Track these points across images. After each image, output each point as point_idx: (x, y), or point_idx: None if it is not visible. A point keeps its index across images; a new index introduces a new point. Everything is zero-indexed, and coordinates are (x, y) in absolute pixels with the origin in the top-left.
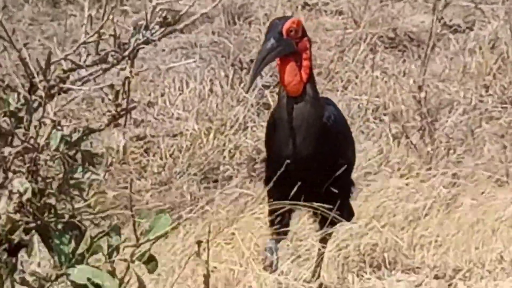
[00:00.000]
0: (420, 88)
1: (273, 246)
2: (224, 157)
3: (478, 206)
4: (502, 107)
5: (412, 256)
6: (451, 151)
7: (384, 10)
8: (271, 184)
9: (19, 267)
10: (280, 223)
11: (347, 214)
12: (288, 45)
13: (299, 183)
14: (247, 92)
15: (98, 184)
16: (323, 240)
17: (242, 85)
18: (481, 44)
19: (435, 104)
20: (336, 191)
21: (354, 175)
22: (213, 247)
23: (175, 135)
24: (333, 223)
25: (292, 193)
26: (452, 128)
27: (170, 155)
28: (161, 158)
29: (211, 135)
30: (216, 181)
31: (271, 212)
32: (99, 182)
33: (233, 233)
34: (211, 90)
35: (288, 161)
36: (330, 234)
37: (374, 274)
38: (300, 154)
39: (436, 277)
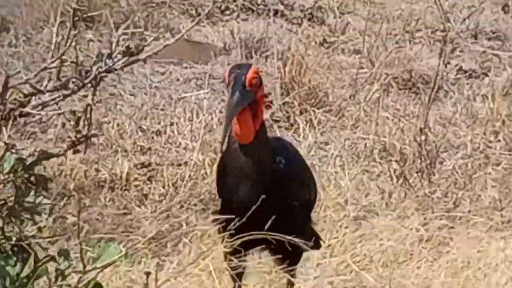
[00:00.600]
0: (421, 130)
1: None
2: None
3: (470, 250)
4: (509, 154)
5: None
6: (450, 194)
7: (401, 51)
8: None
9: None
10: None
11: (307, 241)
12: (250, 96)
13: (250, 226)
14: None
15: (60, 209)
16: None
17: None
18: (494, 90)
19: (440, 147)
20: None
21: (353, 214)
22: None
23: (179, 164)
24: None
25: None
26: (453, 171)
27: (173, 184)
28: (163, 187)
29: (215, 166)
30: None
31: (227, 256)
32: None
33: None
34: (220, 122)
35: (236, 206)
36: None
37: None
38: (249, 200)
39: None
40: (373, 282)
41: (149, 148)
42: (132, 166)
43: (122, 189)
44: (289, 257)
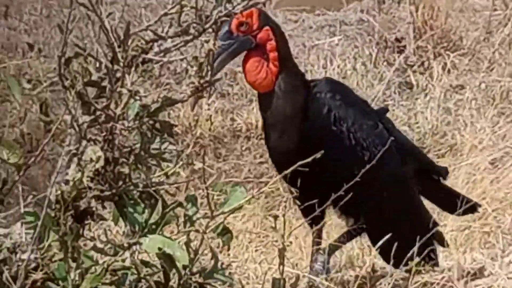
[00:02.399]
0: None
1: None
2: None
3: None
4: None
5: None
6: None
7: None
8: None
9: (90, 234)
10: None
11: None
12: (243, 41)
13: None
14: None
15: (187, 156)
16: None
17: (385, 63)
18: None
19: None
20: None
21: (490, 157)
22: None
23: None
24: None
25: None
26: None
27: None
28: None
29: None
30: None
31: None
32: (181, 152)
33: None
34: (353, 68)
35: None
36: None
37: (487, 254)
38: (281, 154)
39: None
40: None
41: None
42: None
43: (257, 138)
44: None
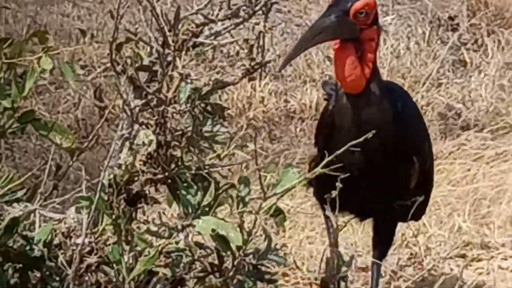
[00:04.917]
0: None
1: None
2: None
3: None
4: None
5: None
6: None
7: None
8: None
9: (144, 218)
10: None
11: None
12: (351, 29)
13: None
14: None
15: (240, 138)
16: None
17: (439, 42)
18: None
19: None
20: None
21: None
22: None
23: None
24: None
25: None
26: None
27: None
28: None
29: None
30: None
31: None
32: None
33: None
34: (407, 47)
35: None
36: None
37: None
38: (369, 165)
39: None
40: None
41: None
42: (321, 95)
43: (312, 119)
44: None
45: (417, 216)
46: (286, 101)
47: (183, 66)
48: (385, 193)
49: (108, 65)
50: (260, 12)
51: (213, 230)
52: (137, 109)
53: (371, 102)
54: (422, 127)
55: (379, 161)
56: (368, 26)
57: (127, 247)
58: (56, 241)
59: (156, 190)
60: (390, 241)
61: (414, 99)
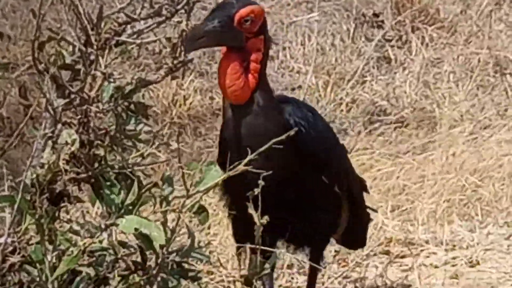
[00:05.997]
0: None
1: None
2: (341, 111)
3: None
4: None
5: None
6: None
7: None
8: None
9: (67, 217)
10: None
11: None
12: (236, 37)
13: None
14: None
15: (163, 136)
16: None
17: (363, 39)
18: None
19: None
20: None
21: (469, 129)
22: None
23: (293, 89)
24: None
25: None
26: None
27: None
28: None
29: (329, 89)
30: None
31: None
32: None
33: None
34: (332, 44)
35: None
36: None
37: (465, 226)
38: (269, 181)
39: None
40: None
41: None
42: None
43: None
44: (311, 243)
45: (357, 244)
46: (211, 98)
47: (106, 65)
48: (293, 212)
49: (32, 63)
50: (183, 11)
51: (136, 229)
52: (60, 108)
53: (255, 114)
54: (329, 144)
55: (276, 177)
56: (254, 35)
57: (50, 247)
58: None
59: (79, 189)
60: (320, 250)
61: (339, 96)
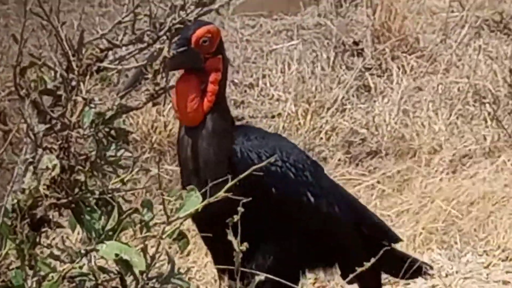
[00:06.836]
0: (511, 71)
1: None
2: (321, 139)
3: None
4: None
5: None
6: None
7: None
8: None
9: (47, 242)
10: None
11: None
12: (194, 58)
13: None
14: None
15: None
16: None
17: (343, 67)
18: None
19: None
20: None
21: (448, 158)
22: None
23: (273, 116)
24: None
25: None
26: None
27: None
28: None
29: (308, 117)
30: None
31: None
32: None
33: None
34: (312, 72)
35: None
36: None
37: (444, 254)
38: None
39: (507, 259)
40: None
41: (242, 102)
42: None
43: None
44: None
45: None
46: None
47: (87, 91)
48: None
49: (13, 88)
50: (165, 37)
51: (116, 255)
52: (41, 133)
53: (202, 138)
54: (295, 182)
55: (225, 208)
56: (212, 55)
57: (30, 272)
58: None
59: (60, 214)
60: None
61: (318, 124)
